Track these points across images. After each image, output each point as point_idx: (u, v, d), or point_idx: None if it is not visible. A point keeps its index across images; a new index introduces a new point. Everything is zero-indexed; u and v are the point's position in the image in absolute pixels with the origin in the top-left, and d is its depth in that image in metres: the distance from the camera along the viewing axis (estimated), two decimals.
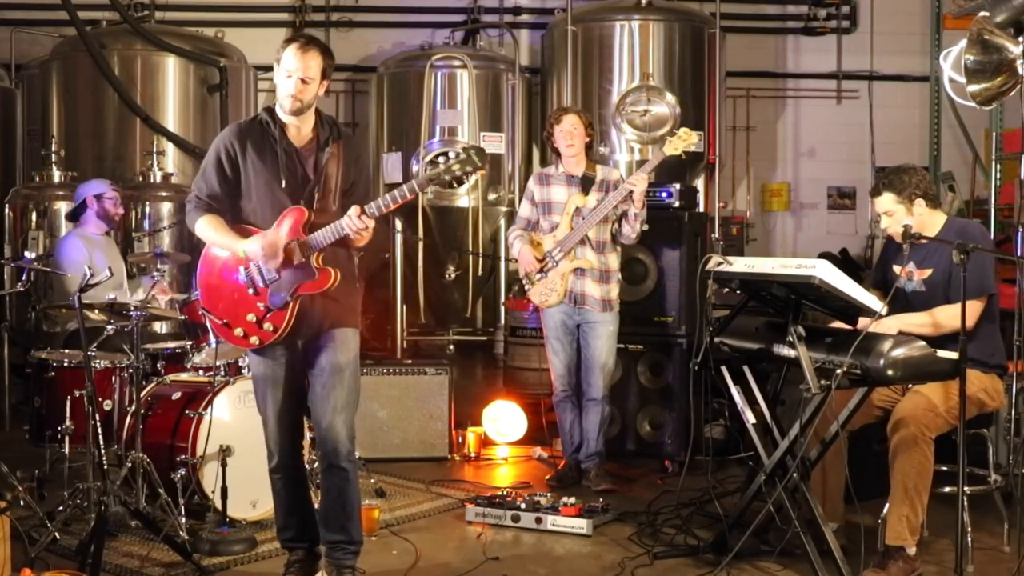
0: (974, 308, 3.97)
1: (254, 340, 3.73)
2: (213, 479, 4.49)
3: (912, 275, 4.25)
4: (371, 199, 3.62)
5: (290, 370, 3.79)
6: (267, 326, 3.69)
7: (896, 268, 4.33)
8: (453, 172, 3.54)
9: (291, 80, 3.63)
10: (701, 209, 7.13)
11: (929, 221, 4.22)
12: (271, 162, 3.69)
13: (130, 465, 4.52)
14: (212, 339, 4.86)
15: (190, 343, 5.13)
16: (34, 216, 7.09)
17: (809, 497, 4.04)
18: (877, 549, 4.07)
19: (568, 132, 5.37)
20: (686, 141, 5.27)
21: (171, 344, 5.42)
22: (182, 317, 5.17)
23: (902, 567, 3.92)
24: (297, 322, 3.68)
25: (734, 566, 4.12)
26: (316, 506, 4.02)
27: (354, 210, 3.56)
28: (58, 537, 4.23)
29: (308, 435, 4.28)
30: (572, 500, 4.76)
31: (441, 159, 3.62)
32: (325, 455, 3.78)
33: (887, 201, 4.21)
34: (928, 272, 4.22)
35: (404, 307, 7.82)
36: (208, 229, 3.72)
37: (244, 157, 3.69)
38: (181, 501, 4.49)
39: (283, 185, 3.68)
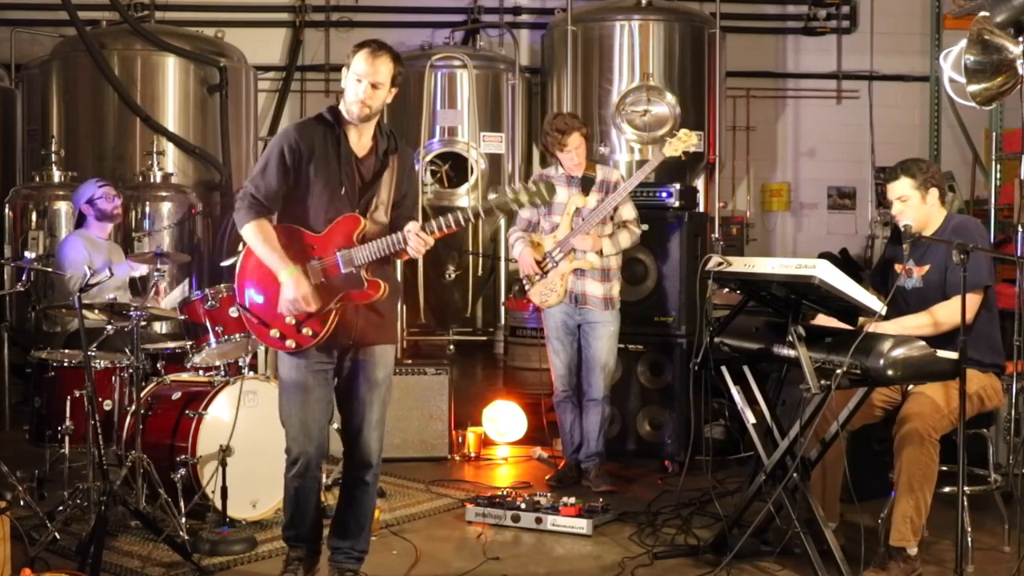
0: (972, 301, 3.98)
1: (290, 343, 3.66)
2: (213, 479, 4.50)
3: (911, 272, 4.26)
4: (416, 211, 3.58)
5: (324, 379, 3.73)
6: (305, 331, 3.63)
7: (897, 267, 4.34)
8: (521, 202, 3.49)
9: (361, 85, 3.56)
10: (701, 209, 7.13)
11: (935, 216, 4.26)
12: (332, 165, 3.63)
13: (130, 465, 4.52)
14: (212, 339, 4.87)
15: (190, 343, 5.12)
16: (34, 216, 7.08)
17: (809, 497, 4.04)
18: (877, 549, 4.07)
19: (572, 154, 5.36)
20: (686, 142, 5.28)
21: (171, 344, 5.42)
22: (182, 317, 5.16)
23: (903, 567, 3.93)
24: (337, 330, 3.63)
25: (734, 566, 4.12)
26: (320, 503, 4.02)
27: (414, 226, 3.51)
28: (58, 537, 4.22)
29: None
30: (572, 500, 4.76)
31: (508, 188, 3.61)
32: (352, 466, 3.80)
33: (903, 186, 4.23)
34: (926, 268, 4.24)
35: (404, 307, 7.81)
36: (255, 239, 3.63)
37: (306, 156, 3.63)
38: (181, 501, 4.49)
39: (342, 190, 3.63)
